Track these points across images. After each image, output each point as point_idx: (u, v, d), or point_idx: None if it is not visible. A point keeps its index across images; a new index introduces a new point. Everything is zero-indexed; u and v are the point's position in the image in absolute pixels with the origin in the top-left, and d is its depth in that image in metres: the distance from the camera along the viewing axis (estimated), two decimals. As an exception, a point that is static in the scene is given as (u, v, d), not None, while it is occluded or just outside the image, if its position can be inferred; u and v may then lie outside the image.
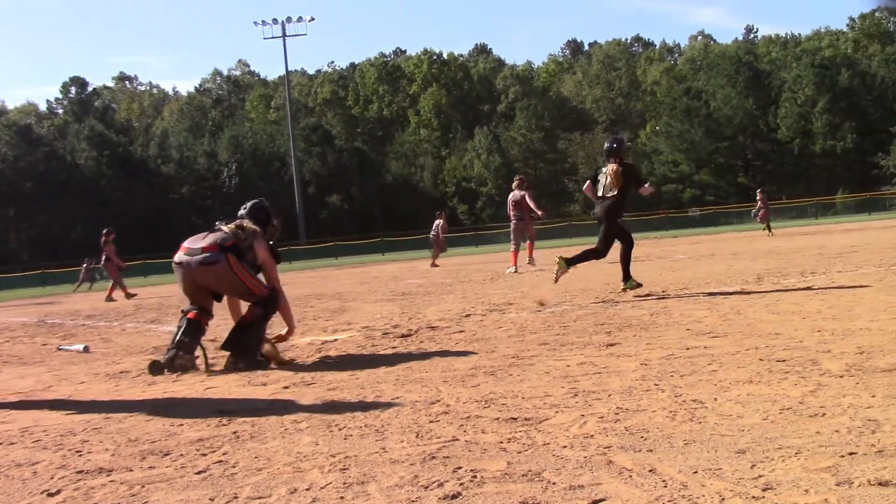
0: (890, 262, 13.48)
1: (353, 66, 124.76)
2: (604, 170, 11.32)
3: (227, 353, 7.06)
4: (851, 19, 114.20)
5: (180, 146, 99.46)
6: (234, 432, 4.39)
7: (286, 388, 5.83)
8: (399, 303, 13.16)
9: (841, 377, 4.64)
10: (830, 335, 6.25)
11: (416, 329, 8.92)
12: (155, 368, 6.93)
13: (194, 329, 7.08)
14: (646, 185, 11.71)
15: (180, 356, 6.94)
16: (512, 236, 21.44)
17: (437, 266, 28.84)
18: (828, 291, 9.51)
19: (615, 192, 11.11)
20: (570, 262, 11.27)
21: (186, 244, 7.15)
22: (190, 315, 7.11)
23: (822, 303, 8.43)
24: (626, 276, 11.29)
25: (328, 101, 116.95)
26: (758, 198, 35.90)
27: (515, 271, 20.02)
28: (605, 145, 11.60)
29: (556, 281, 11.67)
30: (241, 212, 7.47)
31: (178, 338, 7.03)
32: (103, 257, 24.55)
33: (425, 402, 4.84)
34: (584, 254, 11.47)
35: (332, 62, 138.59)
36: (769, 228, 35.42)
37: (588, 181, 11.69)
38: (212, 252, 6.94)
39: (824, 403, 4.03)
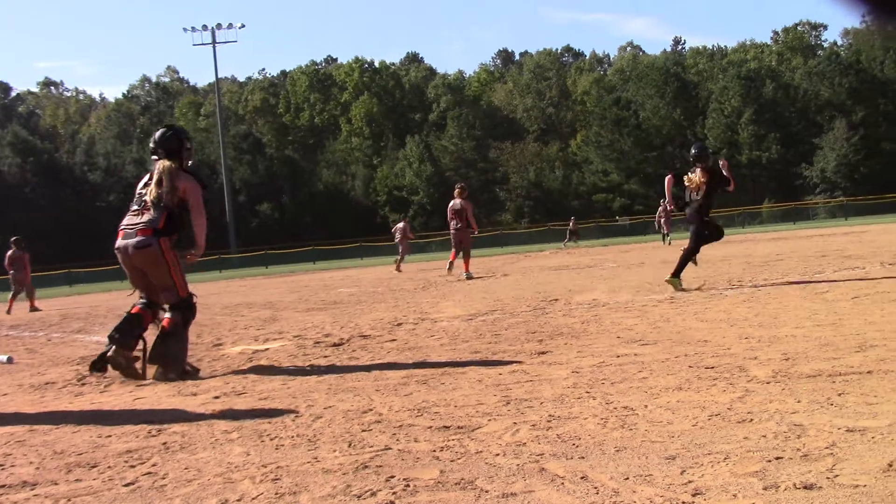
0: (814, 269, 13.75)
1: (284, 73, 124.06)
2: (689, 174, 12.18)
3: (156, 364, 6.95)
4: (775, 33, 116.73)
5: (108, 153, 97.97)
6: (164, 443, 4.33)
7: (217, 398, 5.77)
8: (331, 312, 13.11)
9: (767, 383, 4.71)
10: (757, 342, 6.36)
11: (347, 338, 8.88)
12: (93, 366, 6.91)
13: (130, 324, 7.05)
14: (725, 173, 12.32)
15: (112, 351, 6.88)
16: (453, 243, 21.38)
17: (400, 271, 29.01)
18: (754, 299, 9.67)
19: (701, 196, 12.04)
20: (676, 274, 11.82)
21: (123, 224, 7.20)
22: (133, 310, 7.15)
23: (749, 310, 8.57)
24: (677, 273, 11.81)
25: (259, 109, 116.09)
26: (661, 208, 37.47)
27: (468, 277, 20.15)
28: (692, 151, 12.43)
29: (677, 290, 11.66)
30: (151, 145, 7.43)
31: (112, 332, 7.00)
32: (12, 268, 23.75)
33: (358, 411, 4.83)
34: (683, 259, 12.06)
35: (263, 69, 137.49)
36: (666, 238, 36.98)
37: (670, 176, 12.77)
38: (146, 236, 7.02)
39: (752, 409, 4.09)
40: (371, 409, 4.83)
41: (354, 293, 18.07)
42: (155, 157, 7.38)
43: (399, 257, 30.71)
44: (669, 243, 36.70)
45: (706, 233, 12.31)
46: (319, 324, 10.92)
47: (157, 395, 6.13)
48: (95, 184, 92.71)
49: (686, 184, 12.14)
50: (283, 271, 45.59)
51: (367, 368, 6.61)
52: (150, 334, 7.11)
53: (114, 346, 6.90)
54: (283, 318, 12.67)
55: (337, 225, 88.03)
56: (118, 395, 6.25)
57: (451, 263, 21.06)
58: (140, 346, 7.03)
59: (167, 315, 7.16)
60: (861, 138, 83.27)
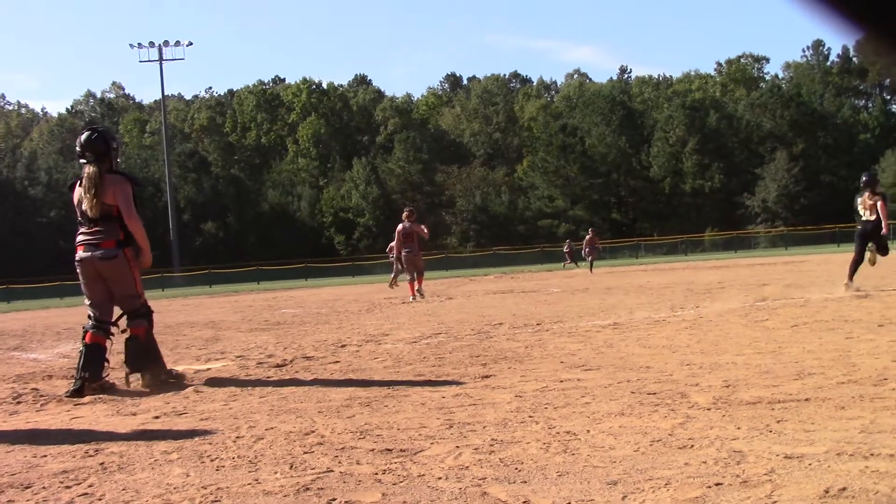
0: (754, 298, 13.92)
1: (231, 92, 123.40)
2: (858, 198, 14.47)
3: (141, 374, 7.22)
4: (719, 64, 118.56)
5: (49, 168, 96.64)
6: (101, 463, 4.27)
7: (157, 417, 5.70)
8: (274, 332, 13.02)
9: (708, 410, 4.76)
10: (699, 369, 6.42)
11: (291, 359, 8.82)
12: (72, 395, 6.90)
13: (93, 356, 7.11)
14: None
15: (89, 389, 6.95)
16: (405, 267, 21.38)
17: (396, 286, 29.06)
18: (696, 326, 9.77)
19: (874, 217, 14.16)
20: (851, 277, 14.32)
21: (81, 239, 7.32)
22: (88, 338, 7.17)
23: (691, 337, 8.65)
24: (851, 277, 14.27)
25: (205, 128, 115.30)
26: (588, 236, 38.32)
27: (414, 300, 20.17)
28: (863, 178, 14.51)
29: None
30: (78, 149, 7.45)
31: (80, 371, 7.04)
32: None
33: (300, 432, 4.79)
34: (852, 267, 14.55)
35: (210, 88, 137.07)
36: (591, 266, 37.56)
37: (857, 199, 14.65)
38: (110, 248, 7.21)
39: (693, 435, 4.12)
40: (313, 431, 4.80)
41: (298, 314, 17.97)
42: (83, 160, 7.36)
43: (394, 274, 31.02)
44: (591, 270, 37.26)
45: (881, 245, 14.62)
46: (262, 344, 10.84)
47: (96, 413, 6.05)
48: (36, 199, 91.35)
49: (859, 206, 14.45)
50: (226, 291, 45.24)
51: (310, 390, 6.56)
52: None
53: (86, 384, 6.98)
54: (226, 338, 12.56)
55: (282, 245, 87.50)
56: (55, 413, 6.15)
57: (413, 292, 21.01)
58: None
59: (132, 323, 7.37)
60: (801, 170, 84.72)
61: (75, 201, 7.44)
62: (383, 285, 33.96)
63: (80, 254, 7.30)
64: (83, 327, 7.39)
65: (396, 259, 21.16)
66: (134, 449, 4.59)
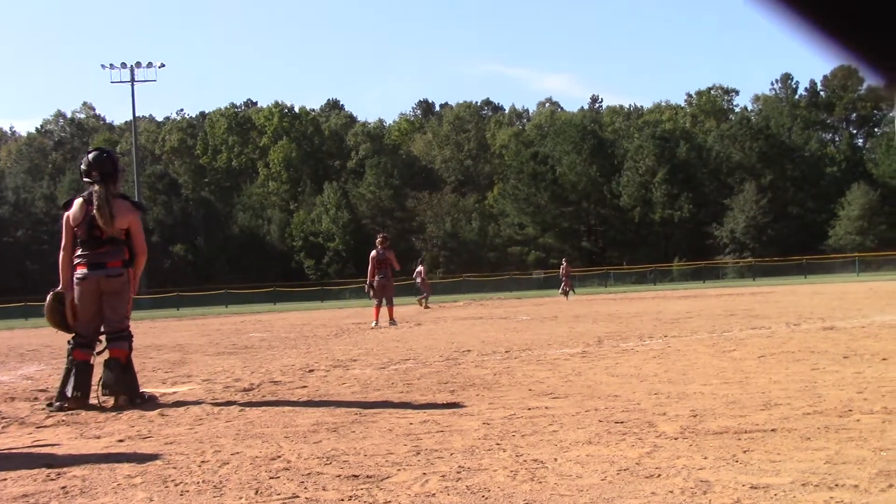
0: (722, 328, 14.00)
1: (202, 114, 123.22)
2: None
3: (116, 396, 7.35)
4: (689, 95, 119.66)
5: (17, 188, 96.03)
6: (63, 487, 4.22)
7: (121, 441, 5.64)
8: (241, 356, 12.95)
9: (675, 439, 4.77)
10: (666, 398, 6.44)
11: (258, 383, 8.78)
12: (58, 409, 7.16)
13: (86, 374, 7.35)
14: None
15: (83, 407, 7.22)
16: (376, 293, 21.38)
17: (429, 308, 32.15)
18: (664, 355, 9.80)
19: None
20: None
21: (84, 256, 7.49)
22: (77, 356, 7.33)
23: (658, 366, 8.67)
24: None
25: (176, 150, 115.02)
26: (564, 265, 39.18)
27: (377, 326, 20.16)
28: None
29: None
30: (84, 167, 7.50)
31: (72, 389, 7.24)
32: None
33: (266, 457, 4.76)
34: None
35: (182, 110, 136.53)
36: (566, 294, 37.94)
37: None
38: (117, 266, 7.49)
39: (660, 465, 4.13)
40: (279, 457, 4.77)
41: (266, 338, 17.88)
42: (88, 179, 7.40)
43: (424, 297, 34.31)
44: (567, 297, 37.54)
45: None
46: (229, 368, 10.78)
47: (59, 437, 5.98)
48: (3, 219, 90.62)
49: None
50: (194, 314, 44.97)
51: (277, 415, 6.53)
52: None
53: (65, 404, 7.21)
54: (193, 361, 12.47)
55: (251, 269, 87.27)
56: (16, 436, 6.08)
57: (377, 317, 21.01)
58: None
59: (114, 345, 7.49)
60: (769, 201, 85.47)
61: (75, 220, 7.51)
62: (352, 310, 33.91)
63: (84, 272, 7.44)
64: (69, 343, 7.50)
65: (369, 286, 21.23)
66: (97, 473, 4.54)
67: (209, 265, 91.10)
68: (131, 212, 7.64)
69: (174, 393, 8.33)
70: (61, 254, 7.54)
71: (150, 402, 7.47)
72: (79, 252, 7.50)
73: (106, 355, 7.51)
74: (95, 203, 7.39)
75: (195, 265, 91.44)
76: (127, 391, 7.38)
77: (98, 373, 7.51)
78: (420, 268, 37.05)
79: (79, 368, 7.28)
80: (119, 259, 7.52)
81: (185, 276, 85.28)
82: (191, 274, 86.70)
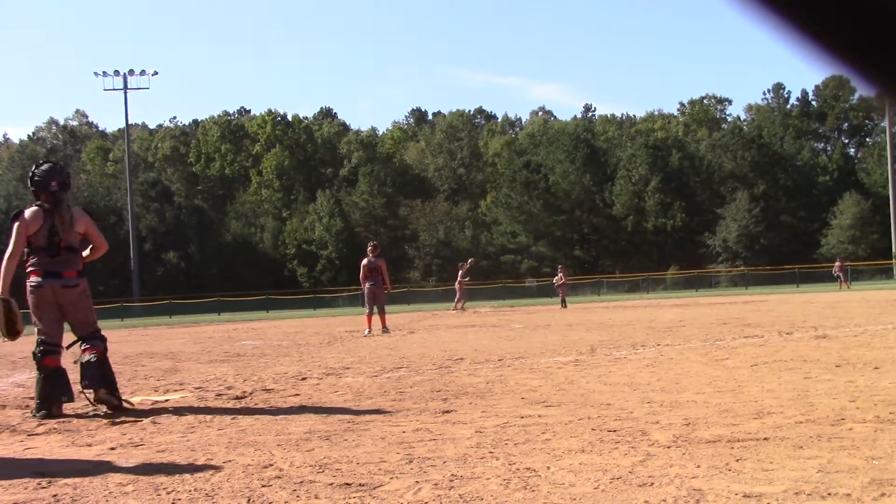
0: (715, 337, 14.01)
1: (195, 122, 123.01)
2: None
3: (95, 390, 7.44)
4: (682, 104, 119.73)
5: (9, 195, 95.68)
6: (54, 495, 4.21)
7: (112, 449, 5.63)
8: (234, 364, 12.93)
9: (668, 448, 4.77)
10: (659, 406, 6.44)
11: (250, 391, 8.77)
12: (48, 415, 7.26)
13: (63, 377, 7.44)
14: None
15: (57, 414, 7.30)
16: (367, 300, 21.43)
17: (464, 310, 34.16)
18: (657, 364, 9.81)
19: None
20: None
21: (41, 265, 7.55)
22: (50, 363, 7.39)
23: (651, 375, 8.68)
24: None
25: (168, 157, 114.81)
26: (559, 273, 39.37)
27: (369, 334, 20.19)
28: None
29: None
30: (38, 178, 7.78)
31: (53, 397, 7.33)
32: None
33: (258, 465, 4.75)
34: None
35: (175, 117, 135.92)
36: (564, 303, 38.00)
37: None
38: (74, 276, 7.61)
39: (652, 473, 4.13)
40: (272, 465, 4.76)
41: (259, 346, 17.86)
42: (45, 189, 7.52)
43: (459, 301, 35.95)
44: (565, 306, 37.51)
45: None
46: (222, 376, 10.76)
47: (50, 444, 5.97)
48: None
49: None
50: (186, 322, 44.88)
51: (269, 423, 6.52)
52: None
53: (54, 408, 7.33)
54: (185, 369, 12.45)
55: (244, 277, 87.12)
56: (7, 444, 6.06)
57: (370, 330, 21.00)
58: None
59: (90, 343, 7.59)
60: (762, 210, 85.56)
61: (33, 228, 7.55)
62: (345, 318, 33.88)
63: (38, 280, 7.49)
64: (35, 354, 7.51)
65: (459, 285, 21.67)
66: (88, 481, 4.52)
67: (202, 273, 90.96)
68: (84, 216, 7.89)
69: (166, 401, 8.31)
70: (6, 261, 7.54)
71: (130, 405, 7.64)
72: (34, 260, 7.58)
73: (86, 357, 7.55)
74: (57, 210, 7.58)
75: (188, 273, 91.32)
76: (107, 384, 7.47)
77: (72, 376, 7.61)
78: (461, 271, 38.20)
79: (57, 374, 7.37)
80: (75, 269, 7.66)
81: (177, 283, 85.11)
82: (183, 281, 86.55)
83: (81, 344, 7.64)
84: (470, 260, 40.20)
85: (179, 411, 7.45)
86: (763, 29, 1.04)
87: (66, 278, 7.56)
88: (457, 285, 37.54)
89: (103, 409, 7.39)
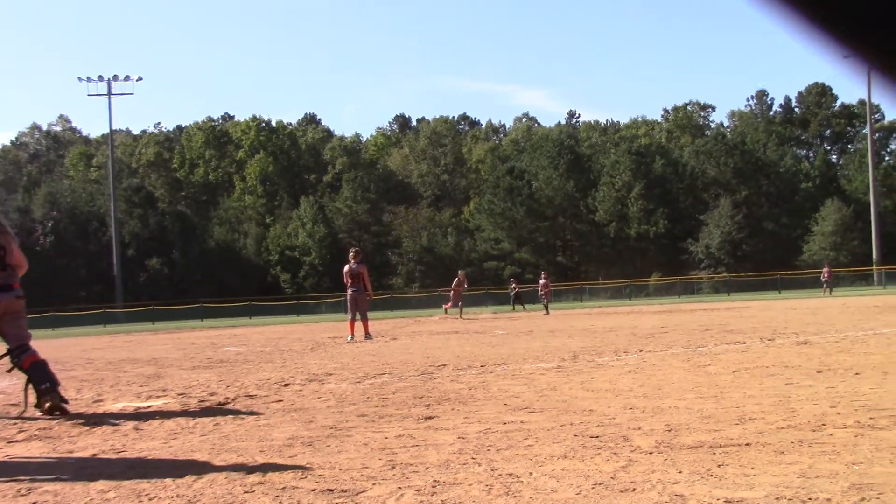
0: (697, 343, 14.05)
1: (179, 128, 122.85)
2: None
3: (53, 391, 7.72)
4: (665, 111, 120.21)
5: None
6: (34, 503, 4.19)
7: (94, 455, 5.61)
8: (217, 370, 12.90)
9: (650, 453, 4.78)
10: (641, 412, 6.45)
11: (233, 397, 8.75)
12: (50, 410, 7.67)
13: (45, 366, 7.85)
14: None
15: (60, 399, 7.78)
16: (349, 307, 21.38)
17: (457, 316, 34.22)
18: (640, 370, 9.83)
19: None
20: None
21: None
22: (34, 359, 7.80)
23: (633, 381, 8.70)
24: None
25: (152, 163, 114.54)
26: (542, 280, 39.58)
27: (352, 340, 20.15)
28: None
29: None
30: None
31: (47, 385, 7.71)
32: None
33: (240, 471, 4.74)
34: None
35: (159, 123, 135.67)
36: (547, 308, 38.28)
37: None
38: (19, 288, 7.94)
39: (634, 479, 4.14)
40: (254, 471, 4.76)
41: (242, 352, 17.81)
42: None
43: (455, 307, 36.25)
44: (548, 312, 37.64)
45: None
46: (205, 382, 10.73)
47: (30, 451, 5.94)
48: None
49: None
50: (169, 328, 44.73)
51: (252, 429, 6.51)
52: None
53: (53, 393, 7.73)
54: (168, 375, 12.41)
55: (227, 283, 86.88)
56: (-10, 450, 6.03)
57: (353, 336, 20.96)
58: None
59: (28, 353, 7.85)
60: (744, 217, 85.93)
61: None
62: (328, 324, 33.83)
63: None
64: (14, 360, 7.85)
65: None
66: (69, 488, 4.51)
67: (185, 279, 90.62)
68: (6, 232, 8.09)
69: (149, 407, 8.29)
70: None
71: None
72: None
73: (28, 364, 7.81)
74: (5, 230, 7.97)
75: (171, 279, 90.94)
76: (54, 384, 7.76)
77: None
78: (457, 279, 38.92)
79: (39, 365, 7.79)
80: (17, 281, 7.96)
81: (160, 289, 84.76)
82: (166, 287, 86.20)
83: (15, 353, 7.87)
84: (460, 273, 40.49)
85: (162, 417, 7.43)
86: (781, 23, 1.03)
87: (17, 289, 7.93)
88: (451, 293, 37.79)
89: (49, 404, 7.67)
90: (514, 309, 48.72)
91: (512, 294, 51.42)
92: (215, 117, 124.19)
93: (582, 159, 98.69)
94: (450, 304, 36.31)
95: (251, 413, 7.53)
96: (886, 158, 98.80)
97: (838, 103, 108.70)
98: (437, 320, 34.68)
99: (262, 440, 5.92)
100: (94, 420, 7.23)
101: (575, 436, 5.53)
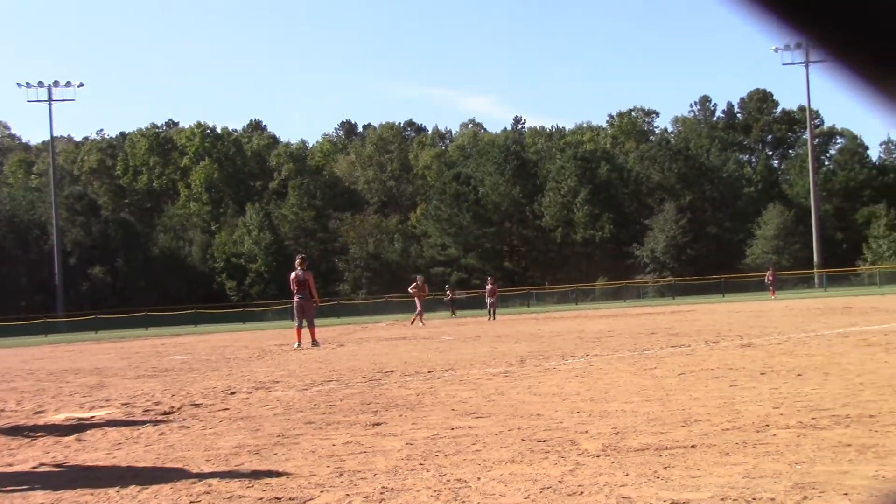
0: (643, 347, 14.16)
1: (122, 135, 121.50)
2: None
3: None
4: (610, 116, 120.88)
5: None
6: (-24, 515, 4.11)
7: (35, 468, 5.52)
8: (162, 379, 12.76)
9: (597, 457, 4.81)
10: (588, 416, 6.49)
11: (178, 406, 8.66)
12: None
13: None
14: None
15: None
16: (296, 313, 21.31)
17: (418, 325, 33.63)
18: (586, 374, 9.88)
19: None
20: None
21: None
22: None
23: (580, 385, 8.74)
24: None
25: (95, 170, 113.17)
26: (488, 286, 39.83)
27: (299, 347, 20.05)
28: None
29: None
30: None
31: None
32: None
33: (186, 481, 4.69)
34: None
35: (101, 130, 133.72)
36: (491, 314, 38.44)
37: None
38: None
39: (582, 482, 4.16)
40: (200, 480, 4.71)
41: (187, 361, 17.65)
42: None
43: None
44: (494, 318, 37.66)
45: None
46: (150, 391, 10.61)
47: (-29, 464, 5.83)
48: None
49: None
50: (113, 337, 44.19)
51: (198, 438, 6.45)
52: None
53: None
54: (112, 385, 12.26)
55: (172, 291, 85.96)
56: (-72, 463, 5.91)
57: (300, 343, 20.86)
58: None
59: None
60: (688, 221, 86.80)
61: None
62: (274, 331, 33.62)
63: None
64: None
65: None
66: (9, 501, 4.43)
67: (128, 287, 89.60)
68: None
69: (92, 418, 8.18)
70: None
71: None
72: None
73: None
74: None
75: (114, 287, 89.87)
76: None
77: None
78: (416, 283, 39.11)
79: None
80: None
81: (103, 298, 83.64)
82: (109, 296, 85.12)
83: None
84: (418, 278, 40.62)
85: (105, 428, 7.33)
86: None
87: None
88: (416, 299, 37.95)
89: None
90: (453, 315, 48.92)
91: (447, 300, 51.62)
92: (159, 124, 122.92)
93: (528, 165, 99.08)
94: (420, 309, 36.28)
95: (197, 422, 7.46)
96: (826, 163, 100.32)
97: (779, 109, 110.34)
98: (385, 326, 34.64)
99: (209, 449, 5.86)
100: (35, 432, 7.09)
101: (523, 440, 5.54)
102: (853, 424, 5.52)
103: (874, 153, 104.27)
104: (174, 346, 26.94)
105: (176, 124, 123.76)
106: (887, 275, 66.32)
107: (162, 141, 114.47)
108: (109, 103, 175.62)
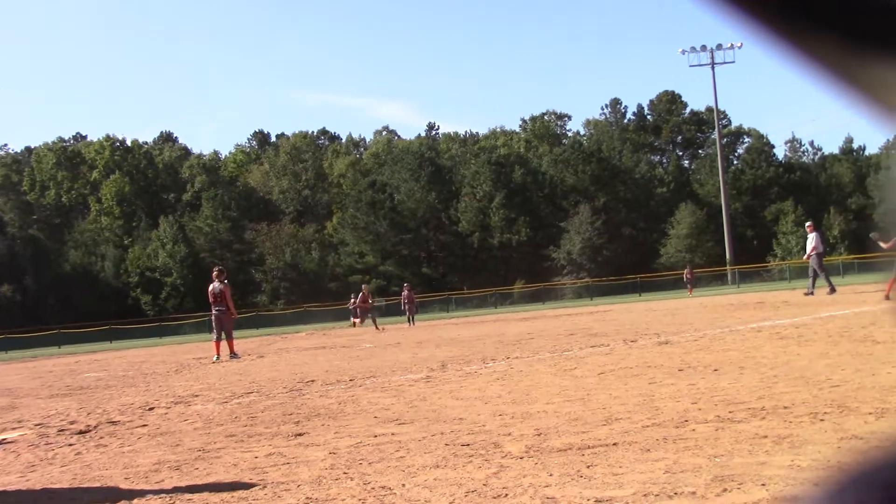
0: (563, 347, 14.26)
1: (28, 149, 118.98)
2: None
3: None
4: (523, 121, 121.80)
5: None
6: None
7: (-54, 493, 5.36)
8: (77, 397, 12.51)
9: (521, 458, 4.82)
10: (511, 418, 6.51)
11: (95, 424, 8.49)
12: None
13: None
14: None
15: None
16: (214, 326, 21.11)
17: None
18: (507, 377, 9.92)
19: None
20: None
21: None
22: None
23: (502, 388, 8.77)
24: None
25: (0, 186, 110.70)
26: (405, 292, 40.11)
27: (218, 360, 19.87)
28: None
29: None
30: None
31: None
32: None
33: (104, 501, 4.60)
34: None
35: (6, 145, 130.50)
36: (412, 320, 38.80)
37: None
38: None
39: (507, 484, 4.17)
40: (120, 499, 4.62)
41: (103, 378, 17.32)
42: None
43: (359, 319, 37.61)
44: (414, 324, 37.84)
45: None
46: (64, 410, 10.39)
47: None
48: None
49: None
50: (24, 356, 43.20)
51: (116, 456, 6.33)
52: None
53: None
54: (24, 405, 11.98)
55: (85, 307, 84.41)
56: None
57: (218, 356, 20.65)
58: None
59: None
60: (603, 222, 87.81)
61: None
62: (192, 345, 33.20)
63: None
64: None
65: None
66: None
67: (38, 305, 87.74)
68: None
69: (3, 440, 7.97)
70: None
71: None
72: None
73: None
74: None
75: (23, 305, 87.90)
76: None
77: None
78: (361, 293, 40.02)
79: None
80: None
81: (11, 317, 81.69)
82: (18, 315, 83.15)
83: None
84: (364, 287, 40.96)
85: (18, 450, 7.15)
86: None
87: None
88: (357, 309, 39.05)
89: None
90: (355, 325, 48.78)
91: (352, 308, 51.44)
92: (66, 137, 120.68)
93: (443, 171, 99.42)
94: (359, 318, 36.53)
95: (114, 440, 7.32)
96: (735, 162, 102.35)
97: (688, 110, 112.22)
98: (305, 336, 34.40)
99: (127, 467, 5.76)
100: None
101: (446, 445, 5.54)
102: (768, 416, 5.62)
103: (780, 151, 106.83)
104: (89, 363, 26.42)
105: (84, 137, 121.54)
106: (797, 270, 67.84)
107: (70, 155, 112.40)
108: (13, 117, 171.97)
